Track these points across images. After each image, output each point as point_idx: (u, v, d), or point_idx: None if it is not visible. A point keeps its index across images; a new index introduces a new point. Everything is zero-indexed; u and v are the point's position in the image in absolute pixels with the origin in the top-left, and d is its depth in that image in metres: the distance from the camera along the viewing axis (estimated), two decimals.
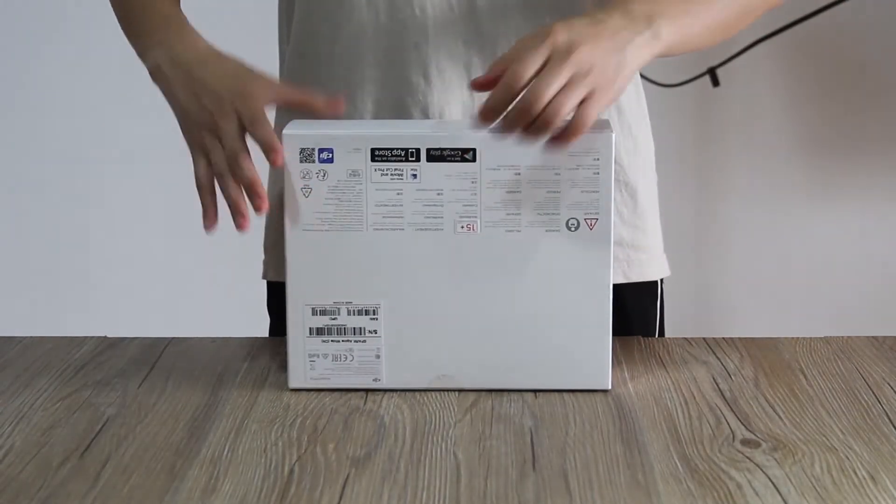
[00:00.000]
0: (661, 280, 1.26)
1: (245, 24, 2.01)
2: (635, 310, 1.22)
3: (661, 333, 1.28)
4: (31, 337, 1.20)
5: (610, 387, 1.04)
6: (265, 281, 1.30)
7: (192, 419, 0.99)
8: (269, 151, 1.01)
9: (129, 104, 2.43)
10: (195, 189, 1.06)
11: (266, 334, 1.30)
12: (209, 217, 1.06)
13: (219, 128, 1.04)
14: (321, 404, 1.02)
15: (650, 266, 1.22)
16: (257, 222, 1.28)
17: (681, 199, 2.47)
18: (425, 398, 1.03)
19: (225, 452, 0.93)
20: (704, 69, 2.32)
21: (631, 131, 1.19)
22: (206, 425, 0.98)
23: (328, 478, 0.88)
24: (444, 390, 1.04)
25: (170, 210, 2.47)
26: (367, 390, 1.05)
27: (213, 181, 1.05)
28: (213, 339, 1.18)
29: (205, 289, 2.45)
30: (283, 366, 1.10)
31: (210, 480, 0.88)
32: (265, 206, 1.02)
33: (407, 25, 1.13)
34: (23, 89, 2.44)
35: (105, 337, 1.19)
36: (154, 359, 1.13)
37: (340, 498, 0.85)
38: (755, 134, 2.46)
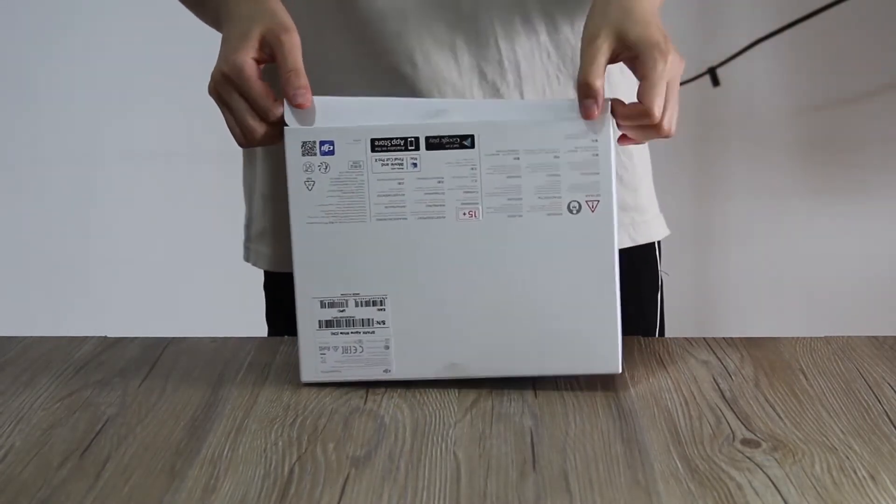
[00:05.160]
0: (658, 243, 1.29)
1: None
2: (643, 272, 1.23)
3: (663, 312, 1.29)
4: (31, 337, 1.20)
5: (620, 370, 1.04)
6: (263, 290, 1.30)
7: (192, 419, 0.99)
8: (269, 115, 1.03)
9: (130, 104, 2.43)
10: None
11: (266, 334, 1.30)
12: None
13: (229, 108, 1.05)
14: (321, 404, 1.02)
15: (654, 227, 1.25)
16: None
17: (681, 198, 2.47)
18: (425, 398, 1.03)
19: (225, 452, 0.93)
20: (704, 69, 2.32)
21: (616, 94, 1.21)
22: (206, 425, 0.98)
23: (328, 478, 0.88)
24: (453, 381, 1.04)
25: (170, 210, 2.47)
26: (367, 389, 1.05)
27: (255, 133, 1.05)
28: (213, 339, 1.18)
29: (205, 289, 2.46)
30: (283, 365, 1.10)
31: (210, 480, 0.88)
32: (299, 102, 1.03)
33: (385, 15, 1.13)
34: (23, 89, 2.44)
35: (105, 337, 1.19)
36: (154, 359, 1.13)
37: (340, 498, 0.85)
38: (755, 134, 2.46)
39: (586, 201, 1.01)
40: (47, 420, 1.00)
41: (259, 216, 1.26)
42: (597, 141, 1.01)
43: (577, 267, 1.02)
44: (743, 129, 2.46)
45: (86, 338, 1.19)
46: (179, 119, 2.40)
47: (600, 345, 1.03)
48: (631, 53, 1.01)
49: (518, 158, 1.01)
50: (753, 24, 2.31)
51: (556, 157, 1.01)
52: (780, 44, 2.33)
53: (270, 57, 1.04)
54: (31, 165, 2.46)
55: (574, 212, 1.02)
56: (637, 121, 1.01)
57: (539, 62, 1.17)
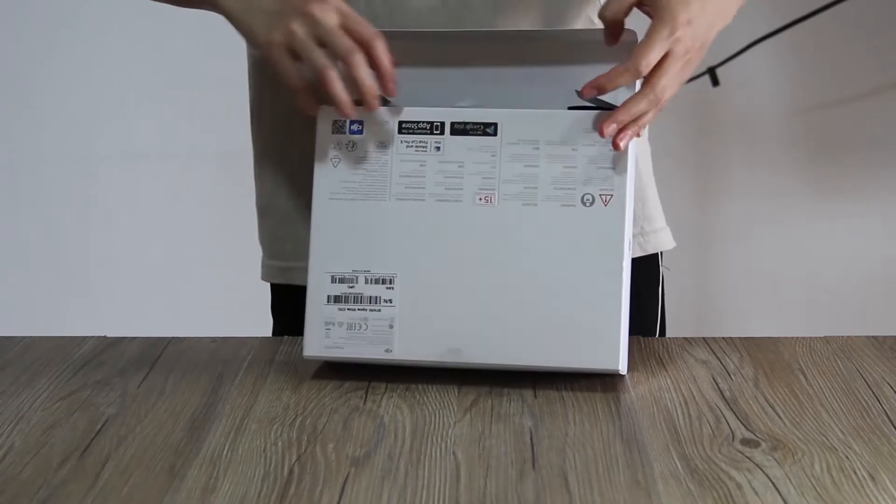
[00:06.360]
0: (661, 253, 1.28)
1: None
2: (645, 271, 1.22)
3: (664, 308, 1.29)
4: (31, 337, 1.20)
5: (620, 369, 1.03)
6: (268, 284, 1.30)
7: (192, 419, 0.99)
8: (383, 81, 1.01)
9: (130, 104, 2.43)
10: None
11: (266, 334, 1.30)
12: (310, 108, 1.04)
13: (315, 21, 0.99)
14: (321, 404, 1.02)
15: (662, 237, 1.26)
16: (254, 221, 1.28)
17: (681, 198, 2.47)
18: (425, 398, 1.03)
19: (225, 452, 0.93)
20: (704, 69, 2.32)
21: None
22: (206, 425, 0.98)
23: (328, 478, 0.88)
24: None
25: (170, 210, 2.47)
26: (366, 389, 1.05)
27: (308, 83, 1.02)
28: (213, 339, 1.18)
29: (205, 289, 2.46)
30: (283, 365, 1.10)
31: (210, 480, 0.88)
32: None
33: (405, 13, 1.13)
34: (23, 89, 2.44)
35: (105, 337, 1.19)
36: (154, 359, 1.14)
37: (340, 498, 0.85)
38: (755, 134, 2.46)
39: (600, 195, 1.02)
40: (47, 420, 1.00)
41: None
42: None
43: (586, 260, 1.02)
44: (743, 128, 2.46)
45: (85, 338, 1.19)
46: (179, 119, 2.40)
47: (602, 342, 1.02)
48: (649, 9, 1.00)
49: (537, 149, 1.03)
50: (753, 24, 2.31)
51: (573, 149, 1.02)
52: (780, 44, 2.33)
53: None
54: (31, 165, 2.46)
55: (587, 204, 1.02)
56: (620, 76, 0.97)
57: None
